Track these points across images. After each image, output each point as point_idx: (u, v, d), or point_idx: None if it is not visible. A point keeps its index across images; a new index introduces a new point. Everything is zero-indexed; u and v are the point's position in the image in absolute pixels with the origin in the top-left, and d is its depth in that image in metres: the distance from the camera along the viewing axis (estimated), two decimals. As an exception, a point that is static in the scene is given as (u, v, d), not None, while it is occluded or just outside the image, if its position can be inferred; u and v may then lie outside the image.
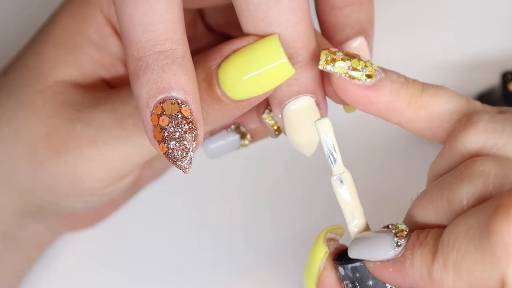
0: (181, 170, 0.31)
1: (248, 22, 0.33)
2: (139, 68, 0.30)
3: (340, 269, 0.33)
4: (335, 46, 0.37)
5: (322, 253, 0.34)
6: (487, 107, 0.34)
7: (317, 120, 0.33)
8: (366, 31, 0.37)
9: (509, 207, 0.27)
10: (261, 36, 0.33)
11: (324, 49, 0.33)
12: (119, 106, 0.36)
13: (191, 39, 0.41)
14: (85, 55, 0.39)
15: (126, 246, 0.49)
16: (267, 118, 0.37)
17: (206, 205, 0.50)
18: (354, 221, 0.33)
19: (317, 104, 0.35)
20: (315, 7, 0.37)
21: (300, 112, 0.34)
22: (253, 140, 0.40)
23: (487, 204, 0.29)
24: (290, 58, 0.33)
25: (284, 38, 0.32)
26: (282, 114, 0.35)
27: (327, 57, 0.33)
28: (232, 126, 0.39)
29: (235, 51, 0.33)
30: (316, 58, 0.34)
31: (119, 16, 0.31)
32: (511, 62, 0.50)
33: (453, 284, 0.29)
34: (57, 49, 0.39)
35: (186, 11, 0.35)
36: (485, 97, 0.50)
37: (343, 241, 0.35)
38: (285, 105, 0.34)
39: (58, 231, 0.46)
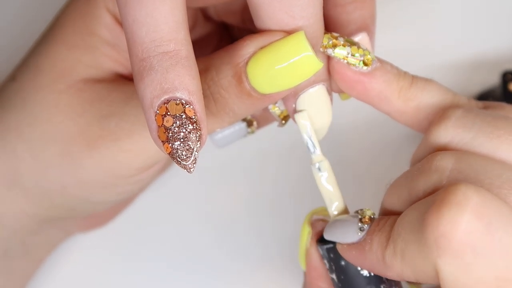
0: (185, 170, 0.31)
1: (270, 16, 0.33)
2: (143, 68, 0.30)
3: (319, 249, 0.36)
4: None
5: (306, 233, 0.37)
6: (472, 102, 0.36)
7: (297, 113, 0.35)
8: (368, 28, 0.37)
9: (442, 202, 0.29)
10: (286, 32, 0.33)
11: (327, 33, 0.35)
12: None
13: (191, 29, 0.41)
14: (102, 55, 0.39)
15: (131, 244, 0.49)
16: (273, 108, 0.37)
17: (211, 201, 0.50)
18: (333, 204, 0.36)
19: (328, 91, 0.36)
20: None
21: (314, 99, 0.35)
22: (259, 126, 0.40)
23: (428, 198, 0.31)
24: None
25: (306, 30, 0.33)
26: (295, 104, 0.35)
27: (329, 41, 0.35)
28: None
29: (262, 48, 0.33)
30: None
31: (123, 17, 0.31)
32: (511, 62, 0.51)
33: (400, 269, 0.31)
34: (71, 51, 0.39)
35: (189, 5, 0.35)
36: (485, 97, 0.50)
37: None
38: (299, 95, 0.35)
39: (70, 232, 0.46)
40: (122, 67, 0.40)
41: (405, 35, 0.52)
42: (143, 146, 0.37)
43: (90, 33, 0.39)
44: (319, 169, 0.35)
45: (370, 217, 0.34)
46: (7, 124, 0.39)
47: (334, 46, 0.35)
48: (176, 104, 0.30)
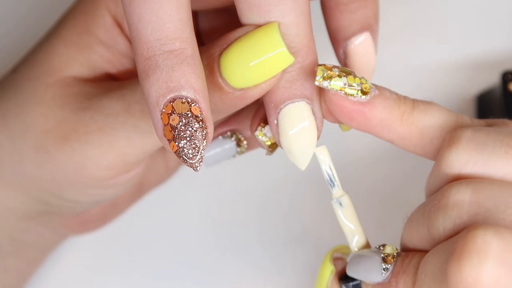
0: (192, 168, 0.31)
1: (249, 20, 0.33)
2: (148, 67, 0.30)
3: (344, 286, 0.35)
4: (341, 42, 0.38)
5: (328, 272, 0.35)
6: (475, 121, 0.35)
7: (316, 148, 0.34)
8: (371, 27, 0.37)
9: (462, 253, 0.28)
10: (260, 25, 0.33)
11: (320, 65, 0.34)
12: (127, 92, 0.36)
13: None
14: (96, 55, 0.39)
15: (130, 249, 0.49)
16: (259, 135, 0.37)
17: (207, 206, 0.50)
18: (354, 240, 0.35)
19: (313, 113, 0.34)
20: (321, 4, 0.38)
21: (295, 118, 0.34)
22: (249, 148, 0.40)
23: (448, 244, 0.30)
24: None
25: (287, 37, 0.33)
26: (277, 120, 0.34)
27: (323, 73, 0.33)
28: (228, 133, 0.39)
29: (236, 39, 0.33)
30: (315, 60, 0.34)
31: (128, 16, 0.31)
32: (511, 62, 0.51)
33: None
34: (67, 48, 0.39)
35: None
36: (485, 97, 0.50)
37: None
38: (281, 109, 0.34)
39: (62, 234, 0.46)
40: (114, 69, 0.40)
41: (405, 37, 0.52)
42: (113, 142, 0.37)
43: (87, 32, 0.39)
44: (340, 204, 0.35)
45: (393, 255, 0.33)
46: None
47: (330, 78, 0.33)
48: (182, 103, 0.30)
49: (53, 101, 0.38)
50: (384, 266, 0.33)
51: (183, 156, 0.30)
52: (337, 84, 0.33)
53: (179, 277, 0.48)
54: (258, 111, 0.37)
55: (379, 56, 0.40)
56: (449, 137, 0.33)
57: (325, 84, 0.33)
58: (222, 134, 0.40)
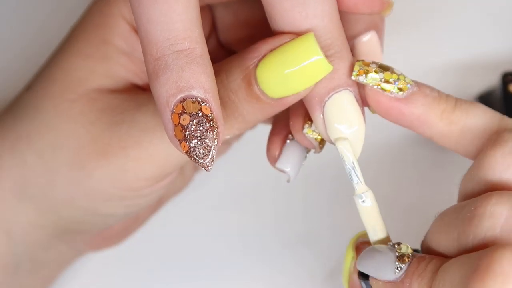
0: (203, 168, 0.31)
1: (282, 16, 0.33)
2: (158, 67, 0.30)
3: (361, 282, 0.35)
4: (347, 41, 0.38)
5: (350, 258, 0.35)
6: None
7: (338, 141, 0.34)
8: (377, 26, 0.37)
9: (486, 272, 0.28)
10: (296, 33, 0.33)
11: (359, 60, 0.34)
12: None
13: None
14: (116, 65, 0.39)
15: (141, 265, 0.49)
16: (308, 132, 0.36)
17: (207, 209, 0.50)
18: (375, 236, 0.35)
19: (356, 99, 0.34)
20: None
21: (343, 107, 0.34)
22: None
23: (473, 257, 0.29)
24: (327, 50, 0.33)
25: (320, 30, 0.33)
26: (323, 114, 0.34)
27: (360, 68, 0.33)
28: (290, 135, 0.38)
29: (271, 50, 0.33)
30: (349, 50, 0.34)
31: (137, 17, 0.30)
32: (511, 63, 0.51)
33: None
34: (85, 61, 0.39)
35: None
36: (485, 98, 0.50)
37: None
38: (325, 102, 0.34)
39: (81, 251, 0.45)
40: (137, 77, 0.40)
41: (405, 36, 0.52)
42: (152, 154, 0.37)
43: (104, 42, 0.39)
44: (363, 201, 0.34)
45: (408, 255, 0.32)
46: (19, 133, 0.39)
47: (366, 72, 0.33)
48: (192, 102, 0.30)
49: (82, 117, 0.38)
50: (398, 265, 0.32)
51: (194, 156, 0.30)
52: (373, 79, 0.33)
53: (179, 280, 0.48)
54: (297, 109, 0.36)
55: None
56: (494, 138, 0.32)
57: (361, 79, 0.33)
58: (287, 139, 0.38)
